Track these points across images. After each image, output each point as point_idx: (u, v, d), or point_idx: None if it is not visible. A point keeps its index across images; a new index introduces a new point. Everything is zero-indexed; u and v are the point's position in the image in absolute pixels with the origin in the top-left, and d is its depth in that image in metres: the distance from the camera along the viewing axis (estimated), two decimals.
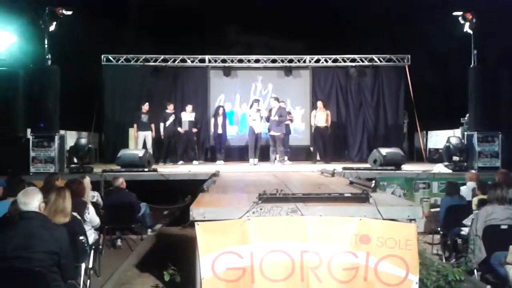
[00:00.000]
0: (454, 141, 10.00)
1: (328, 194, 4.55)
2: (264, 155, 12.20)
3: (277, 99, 11.76)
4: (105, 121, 13.43)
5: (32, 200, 3.69)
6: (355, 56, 13.78)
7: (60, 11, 9.61)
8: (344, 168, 9.38)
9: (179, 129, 12.21)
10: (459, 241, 6.19)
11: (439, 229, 7.04)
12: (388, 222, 4.11)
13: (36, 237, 3.54)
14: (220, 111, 12.47)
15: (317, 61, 13.91)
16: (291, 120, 12.58)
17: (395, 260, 3.98)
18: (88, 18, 11.57)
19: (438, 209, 7.38)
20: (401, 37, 13.80)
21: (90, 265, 5.39)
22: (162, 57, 13.63)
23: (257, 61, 13.86)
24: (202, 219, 4.08)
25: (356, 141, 13.85)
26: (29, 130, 9.66)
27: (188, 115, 12.24)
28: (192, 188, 7.59)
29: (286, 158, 12.01)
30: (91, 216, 5.58)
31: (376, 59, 13.79)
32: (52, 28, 9.62)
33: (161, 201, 9.67)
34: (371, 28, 14.23)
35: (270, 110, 11.92)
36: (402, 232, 4.03)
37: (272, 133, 11.60)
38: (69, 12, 9.73)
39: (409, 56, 13.64)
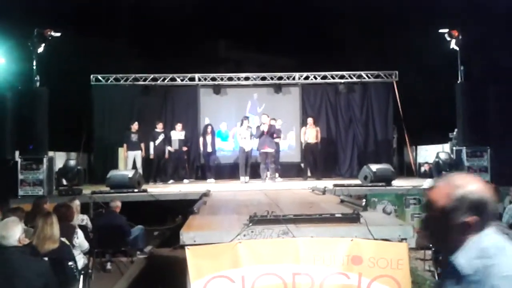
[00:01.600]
0: (443, 156, 10.07)
1: (319, 215, 4.54)
2: (254, 173, 12.18)
3: (268, 116, 11.79)
4: (94, 141, 13.36)
5: (12, 233, 3.60)
6: (344, 73, 13.88)
7: (49, 32, 9.60)
8: (335, 185, 9.37)
9: (169, 148, 12.18)
10: None
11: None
12: (379, 242, 4.10)
13: (18, 276, 3.45)
14: (209, 129, 12.48)
15: (306, 78, 14.00)
16: (280, 137, 12.60)
17: (387, 280, 3.95)
18: (76, 38, 11.57)
19: None
20: (389, 53, 13.96)
21: None
22: (152, 76, 13.63)
23: (246, 78, 13.92)
24: (193, 243, 4.04)
25: (347, 157, 13.89)
26: (17, 153, 9.56)
27: (177, 134, 12.22)
28: (183, 208, 7.55)
29: (277, 175, 12.00)
30: (80, 241, 5.51)
31: (364, 75, 13.91)
32: (40, 49, 9.60)
33: (152, 222, 9.60)
34: (359, 45, 14.40)
35: (258, 127, 11.92)
36: (393, 252, 4.01)
37: (266, 149, 11.59)
38: (58, 34, 9.72)
39: (397, 72, 13.78)
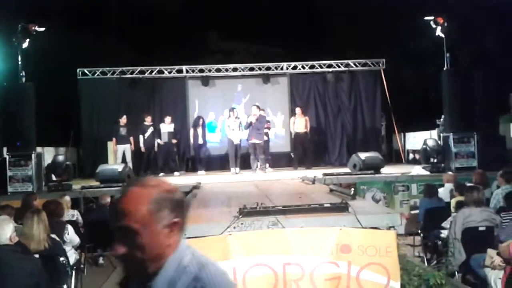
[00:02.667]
0: (430, 143, 10.17)
1: (308, 205, 4.59)
2: (245, 163, 12.21)
3: (258, 107, 11.80)
4: (83, 135, 13.29)
5: (2, 232, 3.60)
6: (332, 62, 13.91)
7: (33, 28, 9.50)
8: (325, 174, 9.44)
9: (158, 140, 12.16)
10: (439, 243, 6.29)
11: (419, 231, 7.15)
12: (367, 231, 4.16)
13: (10, 275, 3.45)
14: (200, 121, 12.46)
15: (294, 67, 14.01)
16: (269, 128, 12.62)
17: (376, 267, 4.02)
18: (61, 33, 11.45)
19: (418, 211, 7.49)
20: (376, 41, 14.00)
21: (72, 286, 5.32)
22: (139, 69, 13.56)
23: (235, 69, 13.89)
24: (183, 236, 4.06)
25: (336, 146, 13.97)
26: (5, 149, 9.50)
27: (167, 126, 12.20)
28: None
29: (267, 165, 12.05)
30: (71, 236, 5.52)
31: (352, 64, 13.95)
32: (25, 45, 9.50)
33: None
34: (346, 34, 14.40)
35: (249, 118, 11.94)
36: (381, 240, 4.08)
37: (253, 141, 11.61)
38: (42, 29, 9.63)
39: (384, 60, 13.84)
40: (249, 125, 11.55)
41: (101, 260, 7.47)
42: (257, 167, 11.74)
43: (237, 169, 11.73)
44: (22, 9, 10.84)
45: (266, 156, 12.04)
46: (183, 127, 13.31)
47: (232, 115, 11.81)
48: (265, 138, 12.01)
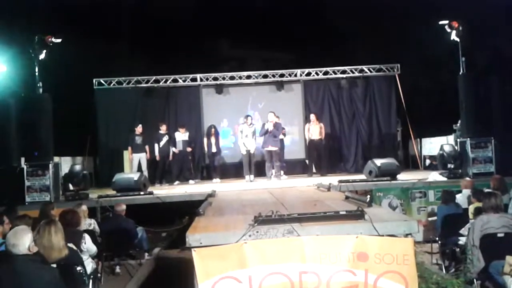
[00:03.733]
0: (447, 148, 10.04)
1: (324, 213, 4.55)
2: (259, 171, 12.21)
3: (274, 114, 11.81)
4: (99, 144, 13.42)
5: (22, 241, 3.63)
6: (346, 68, 13.87)
7: (50, 39, 9.63)
8: (340, 181, 9.37)
9: (173, 149, 12.22)
10: (457, 250, 6.20)
11: (437, 238, 7.06)
12: (384, 238, 4.11)
13: (29, 284, 3.48)
14: (212, 130, 12.51)
15: (308, 74, 13.99)
16: (284, 135, 12.60)
17: (393, 276, 3.96)
18: (77, 44, 11.63)
19: (435, 218, 7.40)
20: (390, 46, 13.95)
21: None
22: (154, 77, 13.67)
23: (248, 77, 13.93)
24: (199, 245, 4.07)
25: (351, 152, 13.88)
26: (23, 159, 9.63)
27: (181, 135, 12.26)
28: (189, 209, 7.59)
29: (282, 172, 12.01)
30: (88, 246, 5.55)
31: (366, 69, 13.89)
32: (42, 56, 9.64)
33: (159, 224, 9.65)
34: (360, 39, 14.39)
35: (263, 125, 11.93)
36: (399, 247, 4.02)
37: (269, 148, 11.62)
38: (59, 40, 9.76)
39: (399, 65, 13.74)
40: (266, 132, 11.55)
41: (117, 269, 7.51)
42: (272, 174, 11.72)
43: (252, 176, 11.74)
44: (39, 21, 11.04)
45: (281, 163, 12.02)
46: (197, 135, 13.35)
47: (246, 122, 11.83)
48: (280, 145, 11.99)
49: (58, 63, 10.69)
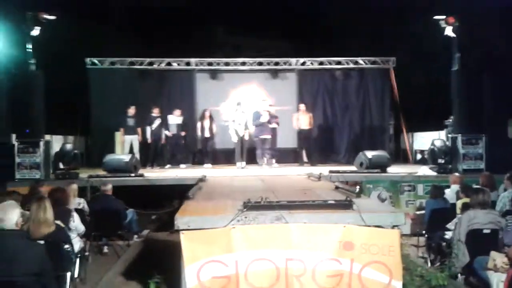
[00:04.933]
0: (438, 143, 10.10)
1: (312, 201, 4.59)
2: (251, 158, 12.23)
3: (267, 102, 11.80)
4: (91, 125, 13.34)
5: (10, 216, 3.62)
6: (341, 59, 13.85)
7: (43, 15, 9.52)
8: (331, 172, 9.43)
9: (166, 132, 12.18)
10: (443, 244, 6.27)
11: (424, 232, 7.13)
12: (371, 229, 4.16)
13: (16, 259, 3.48)
14: (207, 113, 12.44)
15: (303, 63, 13.96)
16: (277, 123, 12.61)
17: (378, 266, 4.02)
18: (71, 22, 11.47)
19: (423, 212, 7.47)
20: (386, 39, 13.93)
21: (76, 273, 5.37)
22: (148, 60, 13.57)
23: (243, 64, 13.87)
24: (187, 228, 4.09)
25: (343, 143, 13.93)
26: (14, 136, 9.57)
27: (175, 119, 12.21)
28: (180, 192, 7.59)
29: (274, 160, 12.04)
30: (76, 224, 5.56)
31: (361, 61, 13.88)
32: (35, 33, 9.54)
33: (149, 206, 9.66)
34: (356, 31, 14.34)
35: (257, 113, 11.93)
36: (385, 239, 4.08)
37: (263, 136, 11.63)
38: (52, 17, 9.65)
39: (394, 58, 13.76)
40: (261, 124, 11.59)
41: (105, 249, 7.54)
42: (263, 162, 11.76)
43: (243, 163, 11.75)
44: None
45: (273, 151, 12.05)
46: (190, 120, 13.30)
47: (238, 109, 11.81)
48: (273, 133, 12.02)
49: (51, 41, 10.55)
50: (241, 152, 11.78)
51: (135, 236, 8.30)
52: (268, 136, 11.62)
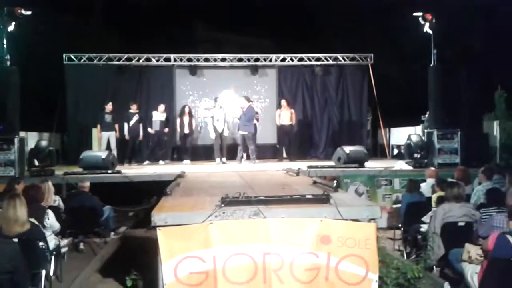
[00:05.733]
0: (414, 138, 10.24)
1: (290, 196, 4.60)
2: (230, 154, 12.21)
3: (247, 98, 11.78)
4: (67, 121, 13.14)
5: None
6: (320, 55, 13.91)
7: (19, 11, 9.35)
8: (309, 167, 9.47)
9: (149, 129, 12.08)
10: (419, 237, 6.36)
11: (400, 225, 7.23)
12: (348, 222, 4.18)
13: None
14: (186, 110, 12.35)
15: (283, 60, 13.98)
16: (257, 120, 12.61)
17: (355, 259, 4.05)
18: (48, 17, 11.32)
19: (399, 205, 7.57)
20: (365, 36, 14.05)
21: (52, 271, 5.30)
22: (126, 55, 13.40)
23: (223, 60, 13.82)
24: (164, 224, 4.06)
25: (322, 139, 14.01)
26: None
27: (159, 115, 12.10)
28: (158, 189, 7.53)
29: (254, 156, 12.03)
30: (51, 222, 5.47)
31: (340, 58, 13.96)
32: (10, 28, 9.36)
33: (126, 203, 9.57)
34: (336, 28, 14.45)
35: (238, 110, 11.94)
36: (361, 232, 4.11)
37: (241, 132, 11.64)
38: (28, 12, 9.48)
39: (372, 55, 13.87)
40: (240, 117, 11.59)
41: (81, 246, 7.45)
42: (242, 157, 11.76)
43: (223, 159, 11.72)
44: None
45: (253, 147, 12.04)
46: (169, 116, 13.21)
47: (216, 105, 11.78)
48: (253, 130, 12.00)
49: (27, 36, 10.38)
50: (221, 148, 11.75)
51: (112, 233, 8.22)
52: (245, 132, 11.61)
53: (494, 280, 4.12)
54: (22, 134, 9.85)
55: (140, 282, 4.76)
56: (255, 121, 12.26)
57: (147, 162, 12.14)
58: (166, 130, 12.30)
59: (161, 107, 12.15)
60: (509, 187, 6.52)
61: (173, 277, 3.93)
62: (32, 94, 10.76)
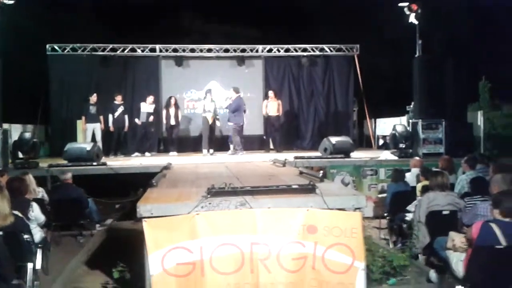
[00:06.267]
0: (399, 128, 10.32)
1: (276, 186, 4.61)
2: (220, 145, 12.19)
3: (235, 89, 11.73)
4: (51, 113, 13.00)
5: None
6: (307, 46, 13.91)
7: (2, 0, 9.17)
8: (296, 157, 9.51)
9: (136, 120, 11.99)
10: (404, 226, 6.43)
11: (385, 214, 7.30)
12: (333, 212, 4.21)
13: None
14: (172, 101, 12.26)
15: (270, 50, 13.95)
16: (245, 111, 12.57)
17: (341, 248, 4.09)
18: (31, 6, 11.10)
19: (385, 195, 7.64)
20: (351, 27, 14.06)
21: (38, 264, 5.24)
22: (111, 46, 13.26)
23: (209, 50, 13.75)
24: (150, 215, 4.04)
25: (308, 130, 14.06)
26: None
27: (148, 107, 11.98)
28: (144, 181, 7.48)
29: (241, 147, 12.00)
30: (36, 214, 5.41)
31: (326, 48, 13.98)
32: None
33: (113, 195, 9.52)
34: (322, 18, 14.44)
35: (226, 100, 11.92)
36: (347, 221, 4.14)
37: (229, 123, 11.63)
38: (11, 1, 9.31)
39: (358, 45, 13.91)
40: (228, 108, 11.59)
41: (68, 238, 7.38)
42: (235, 149, 11.74)
43: (211, 150, 11.69)
44: None
45: (239, 139, 12.01)
46: (156, 108, 13.11)
47: (208, 97, 11.73)
48: (242, 121, 11.97)
49: (10, 26, 10.17)
50: (210, 139, 11.71)
51: (98, 225, 8.16)
52: (233, 124, 11.59)
53: (479, 267, 4.17)
54: (5, 126, 9.69)
55: (127, 274, 4.74)
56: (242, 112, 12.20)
57: (136, 154, 12.04)
58: (151, 119, 12.13)
59: (150, 98, 12.04)
60: (493, 175, 6.60)
61: (160, 268, 3.93)
62: (16, 85, 10.57)
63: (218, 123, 11.85)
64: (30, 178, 6.40)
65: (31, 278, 4.73)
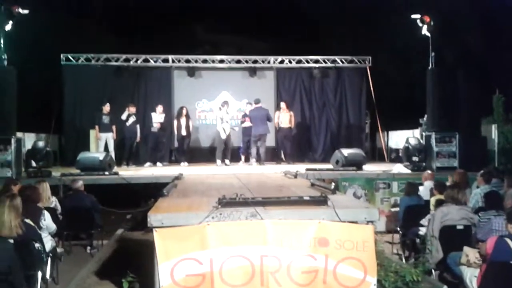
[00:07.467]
0: (412, 141, 10.22)
1: (288, 198, 4.58)
2: (232, 156, 12.20)
3: (257, 100, 11.78)
4: (65, 122, 13.10)
5: None
6: (319, 57, 13.91)
7: (16, 10, 9.32)
8: (307, 169, 9.45)
9: (152, 129, 12.03)
10: (417, 240, 6.33)
11: (398, 228, 7.20)
12: (345, 224, 4.16)
13: None
14: (184, 111, 12.29)
15: (281, 62, 13.97)
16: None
17: (353, 262, 4.03)
18: (46, 16, 11.25)
19: (398, 209, 7.54)
20: (363, 38, 14.05)
21: (48, 273, 5.25)
22: (124, 56, 13.39)
23: (221, 61, 13.81)
24: (160, 225, 4.03)
25: (320, 142, 14.00)
26: None
27: (158, 116, 12.04)
28: (155, 191, 7.48)
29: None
30: (47, 223, 5.43)
31: (338, 60, 13.96)
32: (8, 27, 9.32)
33: (124, 205, 9.51)
34: (334, 30, 14.43)
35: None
36: (359, 234, 4.08)
37: (261, 132, 11.70)
38: (26, 11, 9.44)
39: (370, 57, 13.87)
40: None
41: (78, 248, 7.38)
42: (254, 158, 11.81)
43: (227, 161, 11.68)
44: None
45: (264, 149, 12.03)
46: (167, 118, 13.16)
47: (225, 108, 11.74)
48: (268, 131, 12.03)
49: (25, 36, 10.31)
50: (225, 150, 11.71)
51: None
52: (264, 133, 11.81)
53: (493, 283, 4.09)
54: (19, 134, 9.80)
55: (137, 284, 4.71)
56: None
57: (148, 164, 12.07)
58: (158, 127, 12.11)
59: (159, 108, 12.10)
60: (507, 190, 6.49)
61: (169, 279, 3.90)
62: (29, 94, 10.68)
63: (231, 134, 11.82)
64: (46, 186, 6.43)
65: (41, 287, 4.73)
